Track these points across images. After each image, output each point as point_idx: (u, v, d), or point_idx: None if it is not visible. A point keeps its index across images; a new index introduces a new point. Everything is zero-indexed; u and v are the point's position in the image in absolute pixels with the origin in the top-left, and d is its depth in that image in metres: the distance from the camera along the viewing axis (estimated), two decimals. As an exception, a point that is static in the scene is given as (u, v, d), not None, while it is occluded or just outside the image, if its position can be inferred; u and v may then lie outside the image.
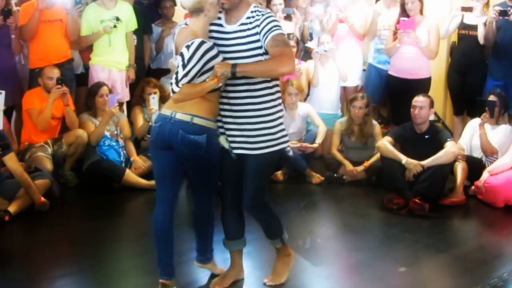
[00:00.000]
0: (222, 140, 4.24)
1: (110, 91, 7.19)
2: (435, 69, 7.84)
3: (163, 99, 7.21)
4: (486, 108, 6.85)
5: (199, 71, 4.02)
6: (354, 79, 8.29)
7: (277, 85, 4.30)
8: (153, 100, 7.16)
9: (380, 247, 5.39)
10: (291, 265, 4.71)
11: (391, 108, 8.27)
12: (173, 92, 4.09)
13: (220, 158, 4.28)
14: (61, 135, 7.05)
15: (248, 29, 4.09)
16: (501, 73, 7.47)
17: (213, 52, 4.04)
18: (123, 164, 7.01)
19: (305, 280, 4.83)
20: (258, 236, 5.14)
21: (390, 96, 8.03)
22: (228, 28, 4.16)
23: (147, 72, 8.22)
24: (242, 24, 4.12)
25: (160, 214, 4.40)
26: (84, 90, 7.47)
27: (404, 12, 7.49)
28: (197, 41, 4.02)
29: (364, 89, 8.32)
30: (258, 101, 4.19)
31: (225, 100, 4.20)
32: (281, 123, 4.31)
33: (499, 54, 7.49)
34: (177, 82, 4.05)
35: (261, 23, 4.04)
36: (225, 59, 4.07)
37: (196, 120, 4.08)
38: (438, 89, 8.14)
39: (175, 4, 8.32)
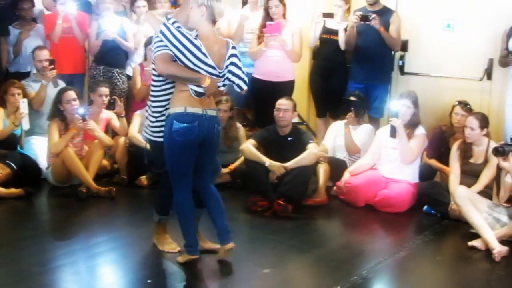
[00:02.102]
0: None
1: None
2: (298, 72, 7.95)
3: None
4: (352, 108, 7.04)
5: None
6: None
7: None
8: (23, 104, 7.01)
9: (244, 250, 5.39)
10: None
11: (256, 111, 8.29)
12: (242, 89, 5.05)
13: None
14: None
15: None
16: (362, 76, 7.69)
17: None
18: (-21, 172, 6.69)
19: (170, 284, 4.88)
20: (122, 244, 5.29)
21: (254, 99, 8.05)
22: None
23: (5, 76, 7.91)
24: None
25: (186, 197, 4.93)
26: None
27: (267, 16, 7.56)
28: None
29: (228, 92, 8.33)
30: None
31: None
32: None
33: (360, 58, 7.71)
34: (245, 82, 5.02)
35: None
36: None
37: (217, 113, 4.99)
38: (302, 92, 8.26)
39: (33, 5, 8.07)
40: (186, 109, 4.73)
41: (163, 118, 4.89)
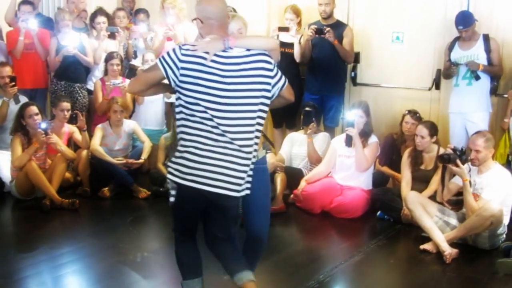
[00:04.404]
0: None
1: None
2: (255, 84, 8.04)
3: None
4: (314, 119, 7.19)
5: None
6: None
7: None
8: None
9: (204, 257, 5.07)
10: None
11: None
12: None
13: None
14: None
15: None
16: (317, 88, 7.82)
17: None
18: None
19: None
20: (86, 254, 5.42)
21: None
22: None
23: None
24: None
25: None
26: None
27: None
28: None
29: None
30: None
31: None
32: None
33: (314, 69, 7.84)
34: None
35: None
36: None
37: None
38: (259, 103, 8.35)
39: None
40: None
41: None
